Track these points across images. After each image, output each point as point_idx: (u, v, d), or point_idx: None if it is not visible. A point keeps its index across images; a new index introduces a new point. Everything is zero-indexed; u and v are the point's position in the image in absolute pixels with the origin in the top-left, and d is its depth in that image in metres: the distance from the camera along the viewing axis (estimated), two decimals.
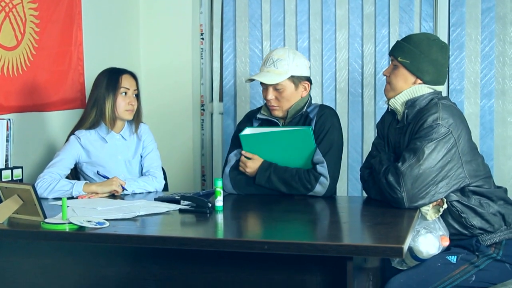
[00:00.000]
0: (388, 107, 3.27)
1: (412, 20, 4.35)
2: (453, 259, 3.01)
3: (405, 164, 2.95)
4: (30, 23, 3.65)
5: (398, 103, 3.17)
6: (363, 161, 3.73)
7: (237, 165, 3.45)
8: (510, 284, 3.09)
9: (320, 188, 3.29)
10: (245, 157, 3.40)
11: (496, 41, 4.22)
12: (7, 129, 3.31)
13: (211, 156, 4.84)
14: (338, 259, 2.39)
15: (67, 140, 3.63)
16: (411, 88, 3.14)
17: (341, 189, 4.38)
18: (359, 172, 3.41)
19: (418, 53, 3.12)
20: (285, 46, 3.61)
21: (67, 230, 2.62)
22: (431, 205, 2.99)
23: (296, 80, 3.42)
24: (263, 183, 3.34)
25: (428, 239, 2.94)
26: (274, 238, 2.51)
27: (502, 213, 3.08)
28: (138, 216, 2.86)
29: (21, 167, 3.38)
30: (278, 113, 3.47)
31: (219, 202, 2.97)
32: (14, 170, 3.33)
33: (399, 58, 3.16)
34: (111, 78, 3.61)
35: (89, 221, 2.65)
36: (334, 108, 3.83)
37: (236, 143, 3.51)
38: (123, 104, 3.60)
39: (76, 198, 3.34)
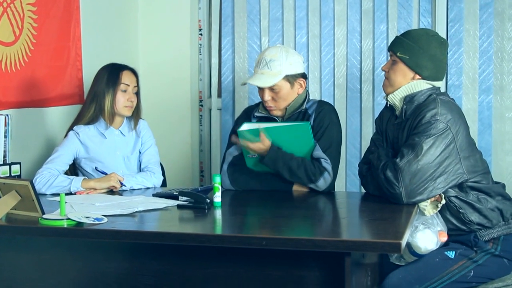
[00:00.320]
0: (386, 103, 3.27)
1: (411, 16, 4.35)
2: (451, 254, 3.01)
3: (403, 160, 2.95)
4: (28, 19, 3.65)
5: (396, 98, 3.17)
6: (362, 157, 3.73)
7: (235, 161, 3.45)
8: (508, 279, 3.10)
9: (322, 183, 3.29)
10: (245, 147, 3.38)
11: (494, 36, 4.22)
12: (5, 125, 3.31)
13: (210, 152, 4.83)
14: (336, 254, 2.39)
15: (65, 135, 3.63)
16: (409, 84, 3.14)
17: (340, 185, 4.38)
18: (358, 168, 3.41)
19: (417, 49, 3.12)
20: (277, 44, 3.59)
21: (65, 226, 2.62)
22: (429, 200, 2.99)
23: (291, 78, 3.41)
24: (270, 163, 3.32)
25: (426, 235, 2.94)
26: (272, 234, 2.51)
27: (500, 208, 3.08)
28: (136, 212, 2.85)
29: (19, 163, 3.38)
30: (276, 112, 3.46)
31: (217, 198, 2.97)
32: (12, 166, 3.33)
33: (398, 54, 3.15)
34: (112, 73, 3.60)
35: (87, 217, 2.65)
36: (332, 104, 3.82)
37: None
38: (123, 100, 3.60)
39: (74, 194, 3.34)
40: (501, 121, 4.25)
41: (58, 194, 2.94)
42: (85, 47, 4.18)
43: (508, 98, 4.23)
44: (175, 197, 3.11)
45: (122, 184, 3.43)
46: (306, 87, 3.51)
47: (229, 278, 2.56)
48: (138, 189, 3.53)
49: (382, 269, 3.12)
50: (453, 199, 3.03)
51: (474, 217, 3.04)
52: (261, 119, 3.52)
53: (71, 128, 3.63)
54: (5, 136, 3.32)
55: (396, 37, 3.24)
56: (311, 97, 3.56)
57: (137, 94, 3.67)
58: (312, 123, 3.39)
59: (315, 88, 4.49)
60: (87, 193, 3.35)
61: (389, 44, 3.33)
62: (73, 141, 3.58)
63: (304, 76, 3.48)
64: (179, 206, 2.97)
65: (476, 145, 3.23)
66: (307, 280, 2.47)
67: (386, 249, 2.40)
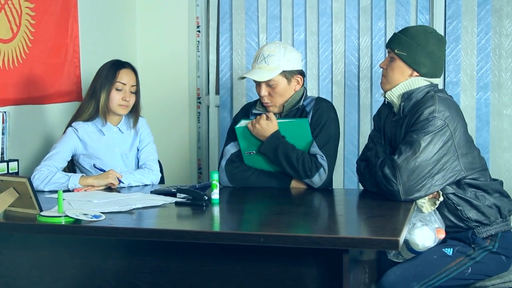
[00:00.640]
0: (384, 100, 3.28)
1: (409, 13, 4.34)
2: (449, 251, 3.02)
3: (401, 157, 2.95)
4: (25, 16, 3.64)
5: (394, 95, 3.17)
6: (359, 154, 3.73)
7: (233, 158, 3.45)
8: (506, 276, 3.10)
9: (317, 179, 3.29)
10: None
11: (492, 33, 4.22)
12: (3, 122, 3.31)
13: (207, 149, 4.83)
14: (334, 251, 2.39)
15: (64, 131, 3.63)
16: (407, 81, 3.14)
17: (337, 182, 4.39)
18: (355, 165, 3.41)
19: (415, 46, 3.12)
20: (276, 41, 3.59)
21: (63, 223, 2.62)
22: (427, 197, 2.99)
23: (288, 74, 3.41)
24: (268, 151, 3.32)
25: (424, 232, 2.95)
26: (270, 231, 2.50)
27: (498, 205, 3.09)
28: (134, 209, 2.85)
29: (17, 160, 3.38)
30: (273, 109, 3.46)
31: (215, 195, 2.97)
32: (10, 163, 3.33)
33: (396, 51, 3.15)
34: (110, 71, 3.60)
35: (85, 214, 2.65)
36: (330, 101, 3.82)
37: (232, 136, 3.50)
38: (117, 99, 3.59)
39: (72, 191, 3.34)
40: (499, 118, 4.25)
41: (56, 191, 2.93)
42: (83, 44, 4.17)
43: (506, 95, 4.23)
44: (173, 194, 3.11)
45: (120, 181, 3.43)
46: (304, 84, 3.50)
47: (227, 275, 2.56)
48: (136, 186, 3.53)
49: (380, 266, 3.12)
50: (451, 196, 3.03)
51: (472, 214, 3.04)
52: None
53: (70, 124, 3.63)
54: (3, 133, 3.31)
55: (394, 34, 3.24)
56: (309, 94, 3.56)
57: (137, 93, 3.66)
58: (310, 120, 3.39)
59: (313, 85, 4.49)
60: (85, 190, 3.34)
61: (387, 41, 3.32)
62: (71, 137, 3.58)
63: (301, 73, 3.47)
64: (177, 203, 2.97)
65: (474, 142, 3.23)
66: (305, 277, 2.47)
67: (384, 246, 2.40)
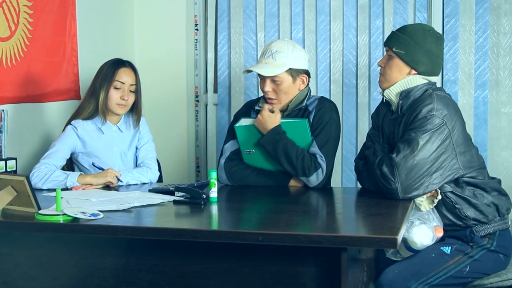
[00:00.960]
0: (383, 98, 3.28)
1: (407, 11, 4.34)
2: (447, 250, 3.02)
3: (399, 155, 2.95)
4: (23, 14, 3.64)
5: (392, 94, 3.17)
6: (358, 152, 3.73)
7: (232, 156, 3.45)
8: (504, 274, 3.10)
9: (314, 178, 3.29)
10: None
11: (490, 32, 4.22)
12: (1, 120, 3.31)
13: (206, 147, 4.83)
14: (333, 250, 2.39)
15: (64, 129, 3.62)
16: (405, 79, 3.14)
17: (336, 180, 4.38)
18: (354, 163, 3.41)
19: (413, 44, 3.12)
20: (285, 38, 3.58)
21: (61, 221, 2.62)
22: (425, 196, 2.99)
23: (294, 73, 3.41)
24: (268, 144, 3.32)
25: (422, 230, 2.95)
26: (269, 229, 2.51)
27: (496, 204, 3.09)
28: (132, 207, 2.85)
29: (15, 158, 3.38)
30: (277, 106, 3.44)
31: (213, 193, 2.96)
32: (8, 161, 3.33)
33: (394, 49, 3.15)
34: (109, 69, 3.60)
35: (83, 213, 2.65)
36: (332, 101, 3.80)
37: (231, 133, 3.50)
38: (115, 98, 3.58)
39: (70, 189, 3.34)
40: (497, 116, 4.25)
41: (54, 190, 2.93)
42: (81, 42, 4.17)
43: (503, 93, 4.24)
44: (171, 193, 3.10)
45: (118, 180, 3.43)
46: (308, 84, 3.49)
47: (226, 274, 2.56)
48: (134, 184, 3.52)
49: (378, 265, 3.12)
50: (449, 194, 3.03)
51: (470, 212, 3.04)
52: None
53: (69, 122, 3.62)
54: (1, 132, 3.32)
55: (392, 32, 3.24)
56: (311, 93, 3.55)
57: (137, 92, 3.65)
58: (311, 120, 3.39)
59: (311, 83, 4.43)
60: (83, 189, 3.34)
61: (385, 39, 3.32)
62: (70, 135, 3.58)
63: (307, 73, 3.46)
64: (175, 202, 2.97)
65: (472, 141, 3.24)
66: (303, 275, 2.47)
67: (382, 245, 2.40)
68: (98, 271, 2.70)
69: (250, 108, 3.57)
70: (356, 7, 4.42)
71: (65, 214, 2.63)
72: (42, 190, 3.33)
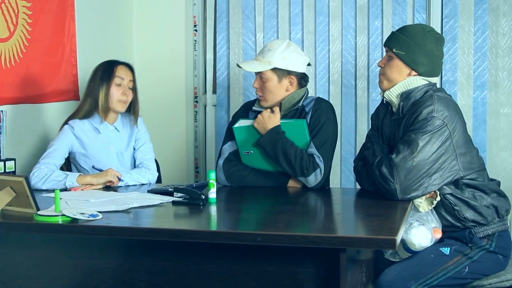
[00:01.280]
0: (382, 99, 3.27)
1: (406, 12, 4.34)
2: (446, 250, 3.02)
3: (398, 156, 2.95)
4: (22, 14, 3.64)
5: (393, 95, 3.16)
6: (357, 153, 3.73)
7: (231, 157, 3.45)
8: (503, 275, 3.10)
9: (313, 179, 3.29)
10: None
11: (489, 32, 4.23)
12: (0, 121, 3.30)
13: (205, 148, 4.83)
14: (331, 251, 2.39)
15: (60, 129, 3.63)
16: (406, 80, 3.13)
17: (334, 181, 4.38)
18: (353, 164, 3.41)
19: (413, 45, 3.11)
20: (286, 39, 3.58)
21: (60, 222, 2.62)
22: (424, 197, 2.99)
23: (280, 73, 3.41)
24: (267, 144, 3.32)
25: (420, 232, 2.95)
26: (267, 230, 2.51)
27: (495, 205, 3.09)
28: (131, 208, 2.85)
29: (14, 159, 3.38)
30: (264, 103, 3.46)
31: (212, 194, 2.96)
32: (7, 162, 3.32)
33: (394, 50, 3.15)
34: (107, 68, 3.61)
35: (82, 213, 2.65)
36: (329, 101, 3.81)
37: (230, 134, 3.50)
38: (117, 94, 3.59)
39: (69, 189, 3.33)
40: (496, 117, 4.25)
41: (53, 190, 2.93)
42: (80, 43, 4.17)
43: (502, 94, 4.24)
44: (170, 194, 3.10)
45: (119, 179, 3.42)
46: (303, 86, 3.48)
47: (224, 274, 2.56)
48: (133, 185, 3.52)
49: (377, 266, 3.12)
50: (448, 196, 3.03)
51: (469, 214, 3.04)
52: (258, 115, 3.51)
53: (66, 122, 3.63)
54: (0, 132, 3.31)
55: (392, 32, 3.23)
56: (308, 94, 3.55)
57: (134, 90, 3.66)
58: (308, 121, 3.39)
59: (310, 84, 4.43)
60: (82, 189, 3.34)
61: (384, 40, 3.32)
62: (67, 134, 3.58)
63: (299, 75, 3.45)
64: (174, 203, 2.97)
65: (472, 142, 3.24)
66: (302, 276, 2.47)
67: (381, 245, 2.40)
68: (97, 272, 2.70)
69: (248, 109, 3.58)
70: (355, 8, 4.42)
71: (64, 215, 2.63)
72: (41, 190, 3.32)
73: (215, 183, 2.97)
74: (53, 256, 2.77)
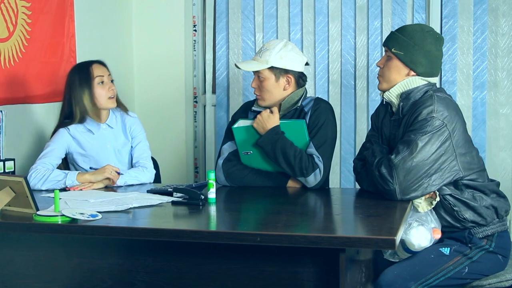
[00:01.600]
0: (382, 99, 3.27)
1: (405, 12, 4.35)
2: (446, 251, 3.02)
3: (398, 156, 2.95)
4: (22, 15, 3.64)
5: (392, 95, 3.16)
6: (356, 153, 3.73)
7: (231, 157, 3.45)
8: (502, 275, 3.10)
9: (312, 179, 3.29)
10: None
11: (489, 33, 4.23)
12: None
13: (204, 148, 4.83)
14: (331, 251, 2.39)
15: (52, 134, 3.60)
16: (405, 80, 3.13)
17: (334, 181, 4.39)
18: (352, 164, 3.41)
19: (412, 45, 3.11)
20: (284, 39, 3.58)
21: (60, 222, 2.62)
22: (423, 197, 2.99)
23: (277, 72, 3.41)
24: (266, 144, 3.32)
25: (420, 232, 2.95)
26: (267, 230, 2.51)
27: (494, 206, 3.08)
28: (130, 208, 2.85)
29: (13, 159, 3.38)
30: (261, 102, 3.47)
31: (212, 194, 2.96)
32: (6, 162, 3.32)
33: (393, 50, 3.14)
34: (82, 72, 3.57)
35: (81, 213, 2.65)
36: (328, 101, 3.81)
37: (229, 135, 3.50)
38: (104, 93, 3.57)
39: (69, 189, 3.33)
40: (495, 117, 4.25)
41: (52, 191, 2.93)
42: (80, 43, 4.17)
43: (502, 94, 4.24)
44: (170, 194, 3.11)
45: (119, 174, 3.41)
46: (301, 85, 3.48)
47: (224, 274, 2.56)
48: (132, 185, 3.52)
49: (376, 266, 3.12)
50: (448, 197, 3.03)
51: (469, 214, 3.04)
52: (257, 115, 3.51)
53: (56, 130, 3.59)
54: None
55: (391, 32, 3.23)
56: (307, 94, 3.55)
57: (113, 82, 3.65)
58: (307, 121, 3.39)
59: (310, 84, 4.48)
60: (81, 190, 3.34)
61: (383, 40, 3.32)
62: (63, 135, 3.57)
63: (296, 75, 3.45)
64: (173, 203, 2.97)
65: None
66: (301, 276, 2.47)
67: (381, 246, 2.40)
68: (96, 272, 2.70)
69: (247, 109, 3.58)
70: (354, 8, 4.42)
71: (63, 215, 2.63)
72: (40, 191, 3.32)
73: (214, 183, 2.97)
74: (53, 256, 2.77)
